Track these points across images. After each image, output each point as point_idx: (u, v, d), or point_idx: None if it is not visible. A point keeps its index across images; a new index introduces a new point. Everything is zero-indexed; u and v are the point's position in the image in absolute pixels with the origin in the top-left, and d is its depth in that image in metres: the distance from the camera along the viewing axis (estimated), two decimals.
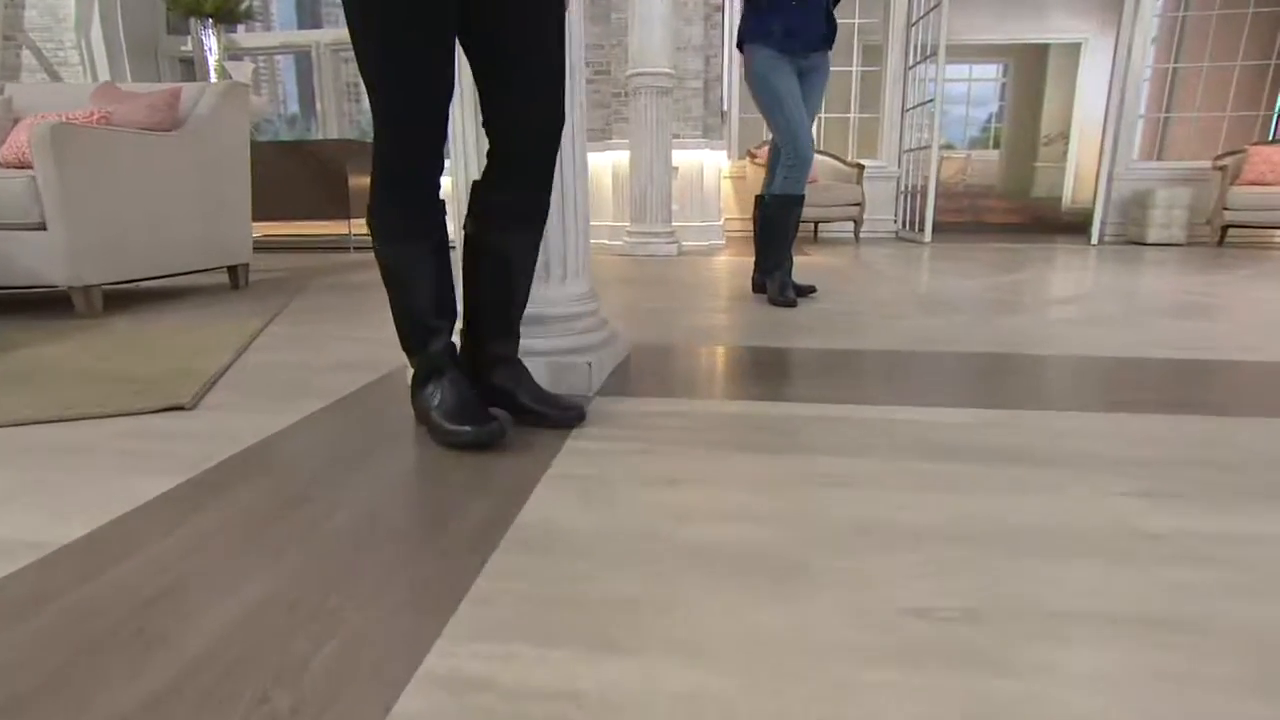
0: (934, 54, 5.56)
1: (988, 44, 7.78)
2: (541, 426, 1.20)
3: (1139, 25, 5.70)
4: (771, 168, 2.84)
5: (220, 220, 2.91)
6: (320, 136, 5.69)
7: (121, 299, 2.77)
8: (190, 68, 5.79)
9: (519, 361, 1.27)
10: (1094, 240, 5.76)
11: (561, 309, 1.47)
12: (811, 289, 2.82)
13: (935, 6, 5.47)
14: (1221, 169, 5.59)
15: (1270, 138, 6.18)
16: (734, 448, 1.12)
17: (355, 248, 5.14)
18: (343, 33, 5.69)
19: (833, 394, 1.43)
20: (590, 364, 1.41)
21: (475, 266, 1.22)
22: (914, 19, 5.97)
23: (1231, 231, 5.68)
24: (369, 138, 5.95)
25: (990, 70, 9.79)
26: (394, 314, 1.16)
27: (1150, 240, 5.77)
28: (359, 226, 5.13)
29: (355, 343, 1.94)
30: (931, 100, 5.63)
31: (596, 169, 5.41)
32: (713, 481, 0.99)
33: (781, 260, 2.67)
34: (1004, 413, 1.30)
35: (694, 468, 1.04)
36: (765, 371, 1.63)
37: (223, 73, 4.95)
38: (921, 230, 5.86)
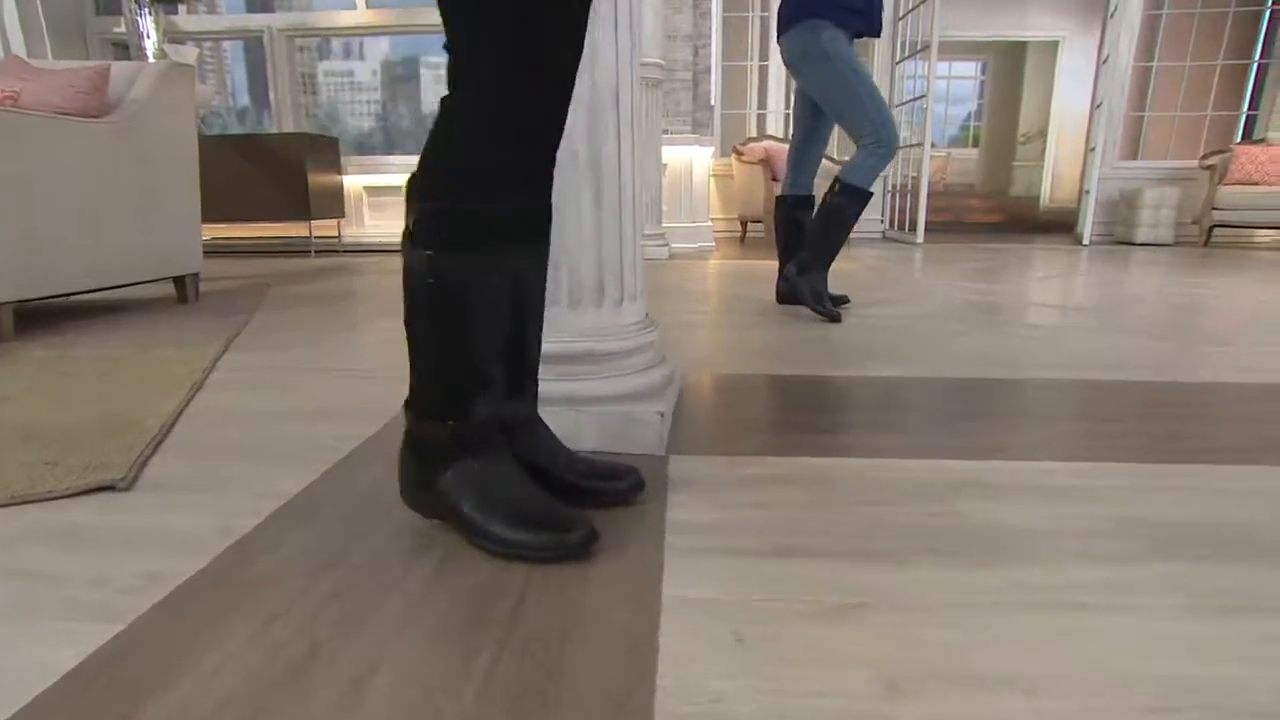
0: (923, 50, 5.37)
1: (966, 41, 7.68)
2: (587, 507, 0.86)
3: (1124, 23, 5.61)
4: (796, 164, 2.56)
5: (163, 223, 2.49)
6: (275, 130, 5.22)
7: (39, 319, 2.33)
8: (125, 52, 5.25)
9: (540, 420, 0.94)
10: (1085, 241, 5.65)
11: (618, 342, 1.15)
12: (845, 299, 2.55)
13: (924, 1, 5.28)
14: (1209, 168, 5.55)
15: (1249, 137, 6.18)
16: (897, 545, 0.82)
17: (317, 251, 4.69)
18: (298, 17, 5.22)
19: (972, 444, 1.14)
20: (662, 414, 1.10)
21: None
22: (901, 13, 5.78)
23: (1215, 231, 5.64)
24: (329, 132, 5.51)
25: (969, 68, 9.72)
26: (424, 361, 0.80)
27: (1139, 240, 5.69)
28: (322, 228, 4.70)
29: (336, 377, 1.58)
30: (922, 97, 5.44)
31: None
32: (905, 607, 0.69)
33: (830, 260, 2.37)
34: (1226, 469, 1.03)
35: (863, 582, 0.73)
36: (863, 412, 1.34)
37: (163, 57, 4.45)
38: (913, 230, 5.67)
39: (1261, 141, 5.68)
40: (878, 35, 2.35)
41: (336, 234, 4.83)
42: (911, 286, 3.14)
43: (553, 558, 0.76)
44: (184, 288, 2.66)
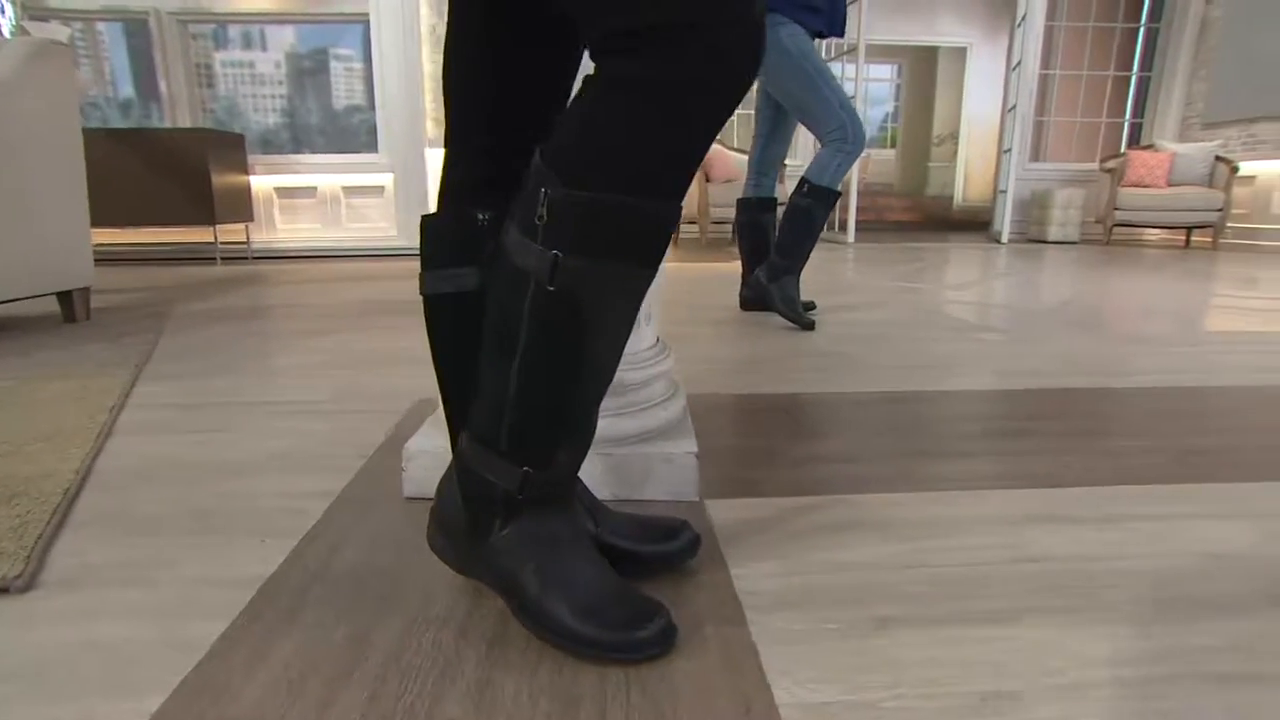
0: (849, 52, 5.46)
1: (882, 45, 7.91)
2: (629, 576, 0.70)
3: (1031, 32, 5.89)
4: (758, 165, 2.47)
5: (42, 228, 2.14)
6: (168, 125, 4.72)
7: None
8: None
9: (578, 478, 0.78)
10: (1004, 239, 5.90)
11: (638, 371, 1.00)
12: (812, 304, 2.49)
13: (852, 3, 5.35)
14: (1109, 171, 5.90)
15: (1136, 143, 6.63)
16: (1003, 602, 0.71)
17: (224, 259, 4.27)
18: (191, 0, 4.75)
19: (1015, 468, 1.06)
20: (695, 454, 0.96)
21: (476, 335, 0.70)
22: None
23: (1115, 230, 6.01)
24: (229, 127, 5.05)
25: (885, 71, 10.05)
26: (507, 386, 0.61)
27: (1050, 239, 6.00)
28: (228, 233, 4.28)
29: (278, 414, 1.36)
30: (850, 98, 5.52)
31: None
32: (1060, 691, 0.58)
33: (801, 265, 2.29)
34: None
35: (993, 659, 0.62)
36: (885, 434, 1.25)
37: (22, 35, 3.92)
38: (844, 231, 5.77)
39: (1150, 147, 6.09)
40: (840, 36, 2.29)
41: (245, 239, 4.42)
42: (865, 290, 3.12)
43: (624, 659, 0.62)
44: (72, 304, 2.30)
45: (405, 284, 3.26)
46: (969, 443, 1.20)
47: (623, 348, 0.65)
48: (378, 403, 1.41)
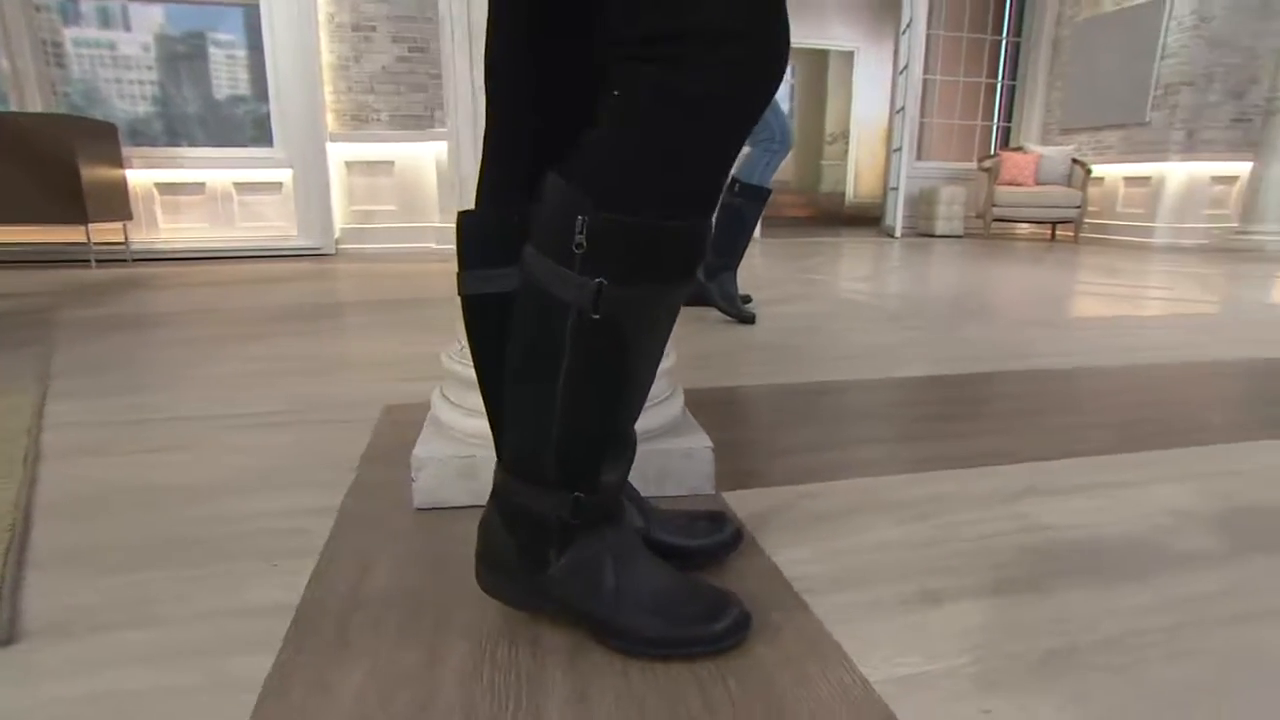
0: None
1: None
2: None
3: (916, 38, 6.31)
4: None
5: None
6: (14, 109, 4.20)
7: None
8: None
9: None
10: (897, 233, 6.29)
11: None
12: (749, 298, 2.56)
13: None
14: (986, 170, 6.42)
15: (1006, 145, 7.25)
16: (1028, 570, 0.77)
17: (99, 261, 3.85)
18: None
19: (985, 447, 1.15)
20: (711, 448, 0.97)
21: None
22: None
23: (993, 224, 6.56)
24: (84, 112, 4.54)
25: None
26: (549, 417, 0.59)
27: (938, 233, 6.47)
28: (103, 233, 3.86)
29: (233, 427, 1.25)
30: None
31: (416, 163, 4.67)
32: (1110, 642, 0.64)
33: (736, 261, 2.35)
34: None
35: (1042, 620, 0.67)
36: (860, 421, 1.31)
37: None
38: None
39: (1019, 149, 6.67)
40: None
41: (123, 239, 4.00)
42: (787, 283, 3.25)
43: (705, 653, 0.62)
44: None
45: (322, 285, 3.06)
46: (934, 425, 1.28)
47: (660, 360, 0.64)
48: (340, 412, 1.33)
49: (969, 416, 1.33)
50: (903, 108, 6.25)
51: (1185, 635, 0.66)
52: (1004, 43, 7.28)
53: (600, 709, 0.56)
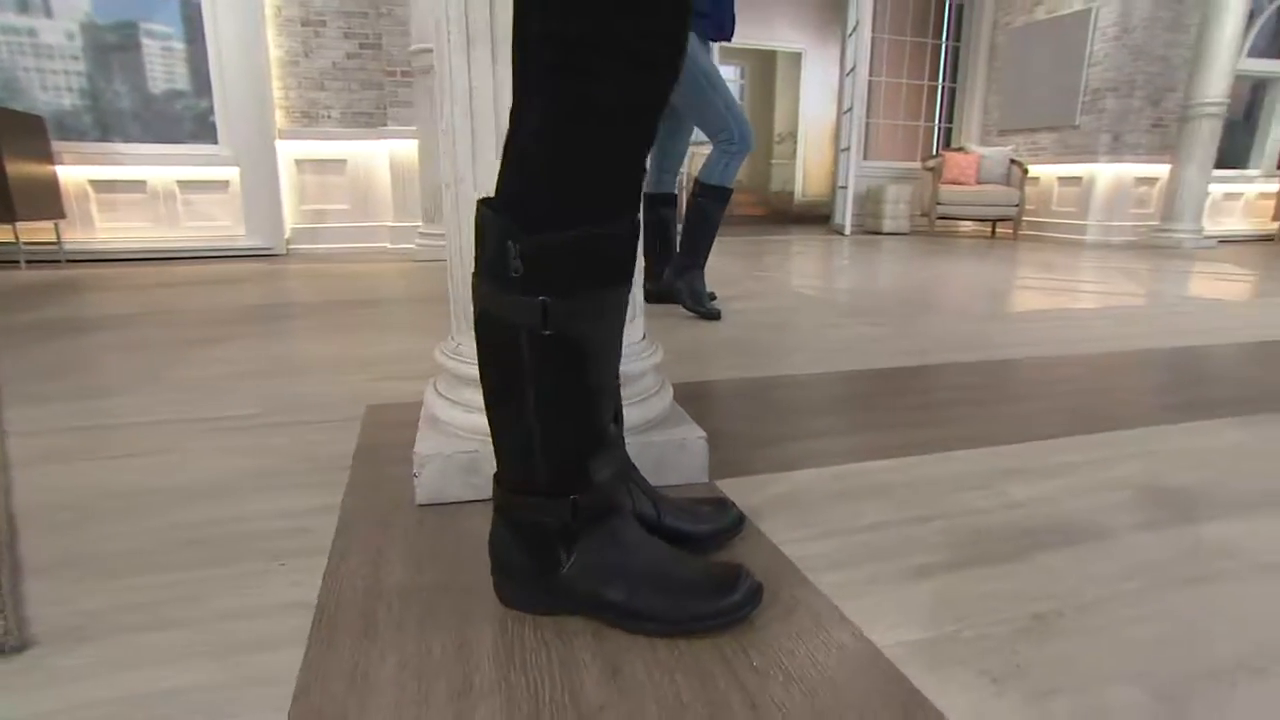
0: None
1: (727, 47, 8.33)
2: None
3: (862, 41, 6.49)
4: (658, 161, 2.55)
5: None
6: None
7: None
8: None
9: (628, 457, 0.81)
10: (846, 231, 6.47)
11: (636, 363, 1.03)
12: (713, 295, 2.61)
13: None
14: (930, 170, 6.66)
15: (948, 146, 7.54)
16: (1009, 545, 0.84)
17: (29, 262, 3.65)
18: None
19: (958, 432, 1.22)
20: (704, 439, 1.01)
21: None
22: None
23: (938, 222, 6.81)
24: (2, 103, 4.31)
25: (729, 72, 10.57)
26: (530, 433, 0.62)
27: (885, 230, 6.68)
28: (34, 232, 3.67)
29: (216, 430, 1.23)
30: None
31: (368, 161, 4.58)
32: (1085, 606, 0.70)
33: (703, 260, 2.40)
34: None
35: (1029, 589, 0.73)
36: (834, 411, 1.37)
37: None
38: None
39: (961, 149, 6.94)
40: (729, 39, 2.42)
41: (55, 240, 3.81)
42: (745, 280, 3.32)
43: (727, 623, 0.65)
44: None
45: (276, 285, 2.98)
46: (907, 414, 1.35)
47: (620, 352, 0.67)
48: (319, 413, 1.32)
49: (934, 405, 1.40)
50: (850, 108, 6.42)
51: (1149, 598, 0.73)
52: (944, 47, 7.56)
53: (635, 682, 0.59)
